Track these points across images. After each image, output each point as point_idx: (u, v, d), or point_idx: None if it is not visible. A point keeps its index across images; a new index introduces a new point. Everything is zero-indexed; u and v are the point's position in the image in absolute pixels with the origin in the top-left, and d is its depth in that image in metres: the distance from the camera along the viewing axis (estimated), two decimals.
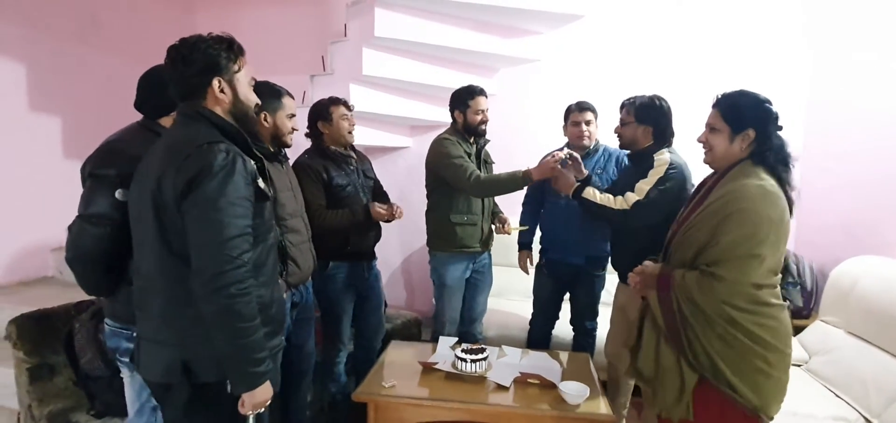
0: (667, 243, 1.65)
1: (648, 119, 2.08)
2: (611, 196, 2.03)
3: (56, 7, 3.05)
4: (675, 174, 1.98)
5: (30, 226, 3.02)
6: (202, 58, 1.27)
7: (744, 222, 1.41)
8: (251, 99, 1.37)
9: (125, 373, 1.58)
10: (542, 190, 2.59)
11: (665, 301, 1.53)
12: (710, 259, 1.45)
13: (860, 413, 1.99)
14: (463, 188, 2.39)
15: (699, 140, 1.60)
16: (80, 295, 2.45)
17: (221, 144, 1.22)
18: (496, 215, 2.62)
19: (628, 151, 2.23)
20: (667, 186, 1.96)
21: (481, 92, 2.48)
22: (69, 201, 3.20)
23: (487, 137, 2.58)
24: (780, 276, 1.50)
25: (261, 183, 1.32)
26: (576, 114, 2.49)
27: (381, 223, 2.42)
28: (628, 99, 2.16)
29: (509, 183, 2.34)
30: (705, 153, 1.59)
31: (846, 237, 2.67)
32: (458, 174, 2.37)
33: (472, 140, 2.51)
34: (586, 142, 2.47)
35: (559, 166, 2.20)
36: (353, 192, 2.36)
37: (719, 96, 1.56)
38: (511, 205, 2.74)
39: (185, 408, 1.29)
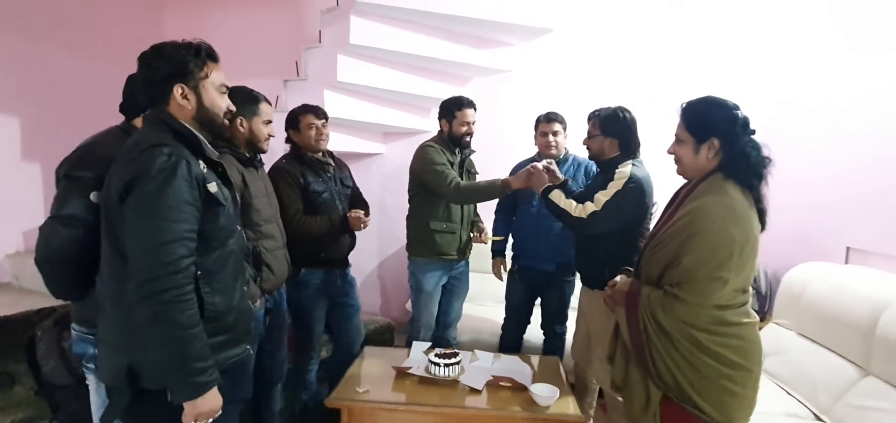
0: (639, 257, 1.65)
1: (613, 131, 2.12)
2: (573, 203, 2.07)
3: (17, 5, 2.95)
4: (633, 188, 2.00)
5: None
6: (166, 65, 1.26)
7: (704, 245, 1.36)
8: (219, 105, 1.35)
9: (91, 380, 1.54)
10: (514, 199, 2.65)
11: (632, 320, 1.52)
12: (673, 280, 1.41)
13: (810, 410, 2.12)
14: (444, 194, 2.43)
15: (669, 152, 1.55)
16: (40, 301, 2.38)
17: (165, 147, 1.20)
18: (475, 224, 2.67)
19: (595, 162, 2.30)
20: (623, 200, 1.99)
21: (469, 104, 2.53)
22: (27, 205, 3.11)
23: (471, 147, 2.64)
24: (749, 292, 1.45)
25: (212, 187, 1.28)
26: (544, 125, 2.57)
27: (357, 231, 2.43)
28: (594, 111, 2.22)
29: (488, 191, 2.40)
30: (676, 164, 1.54)
31: (797, 245, 2.83)
32: (439, 180, 2.41)
33: (456, 150, 2.56)
34: (554, 152, 2.55)
35: (534, 165, 2.26)
36: (330, 199, 2.37)
37: (683, 105, 1.50)
38: (486, 213, 2.79)
39: (125, 414, 1.26)
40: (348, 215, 2.36)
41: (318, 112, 2.36)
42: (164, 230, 1.16)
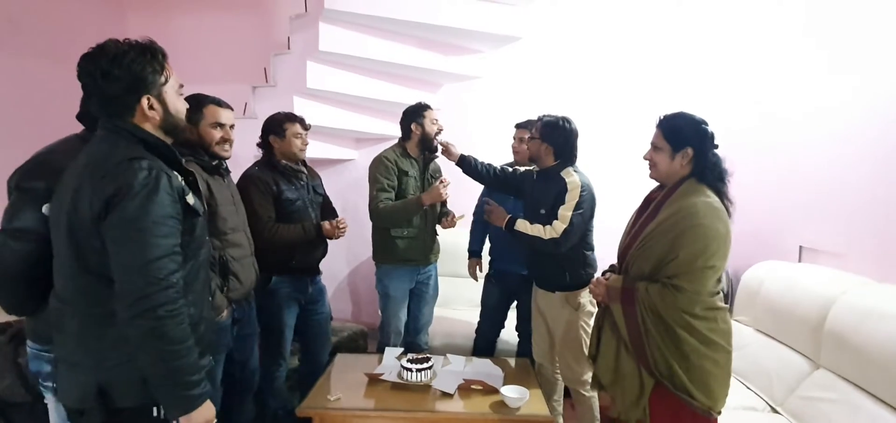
0: (621, 255, 1.76)
1: (550, 138, 2.20)
2: (540, 226, 2.15)
3: None
4: (587, 195, 2.14)
5: None
6: (126, 74, 1.18)
7: (698, 238, 1.52)
8: (180, 109, 1.30)
9: (49, 398, 1.50)
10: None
11: (630, 314, 1.63)
12: (670, 272, 1.55)
13: (766, 402, 2.22)
14: (370, 212, 2.49)
15: (645, 158, 1.71)
16: None
17: (143, 161, 1.16)
18: (443, 214, 2.65)
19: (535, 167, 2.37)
20: (584, 208, 2.13)
21: (430, 106, 2.59)
22: None
23: (435, 152, 2.67)
24: (722, 282, 1.65)
25: (191, 199, 1.26)
26: (515, 131, 2.65)
27: (328, 239, 2.43)
28: (541, 116, 2.28)
29: (406, 210, 2.47)
30: (650, 169, 1.72)
31: (756, 244, 2.96)
32: (370, 198, 2.49)
33: (417, 157, 2.58)
34: (521, 157, 2.62)
35: (488, 202, 2.36)
36: (303, 207, 2.36)
37: (661, 117, 1.69)
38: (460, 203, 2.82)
39: None
40: (323, 224, 2.35)
41: (304, 122, 2.36)
42: (153, 247, 1.13)
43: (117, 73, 1.17)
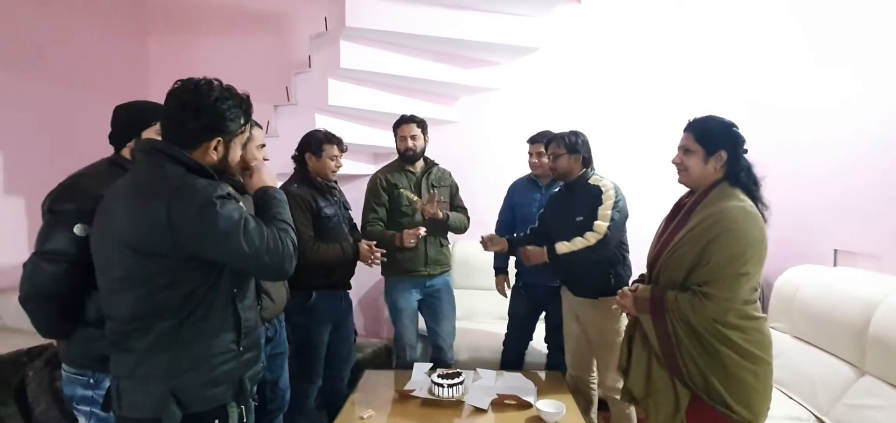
0: (650, 264, 1.71)
1: (578, 149, 2.27)
2: (579, 238, 2.16)
3: None
4: (621, 194, 2.20)
5: None
6: (213, 116, 1.24)
7: (731, 243, 1.47)
8: (235, 158, 1.34)
9: (82, 422, 1.50)
10: (512, 218, 2.68)
11: (660, 324, 1.57)
12: (701, 279, 1.50)
13: (811, 412, 2.14)
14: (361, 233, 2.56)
15: (674, 162, 1.66)
16: (24, 340, 2.30)
17: (200, 180, 1.21)
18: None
19: (561, 182, 2.38)
20: (620, 207, 2.17)
21: (409, 119, 2.60)
22: (10, 241, 3.01)
23: (437, 162, 2.69)
24: (758, 290, 1.58)
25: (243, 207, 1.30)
26: (529, 146, 2.64)
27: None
28: (554, 136, 2.34)
29: (384, 240, 2.45)
30: (680, 174, 1.66)
31: (787, 248, 2.89)
32: (362, 219, 2.60)
33: (411, 167, 2.60)
34: (539, 171, 2.61)
35: (524, 251, 2.32)
36: (338, 223, 2.37)
37: (691, 120, 1.65)
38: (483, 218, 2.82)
39: None
40: (361, 246, 2.36)
41: (342, 144, 2.39)
42: (234, 218, 1.19)
43: (206, 112, 1.23)
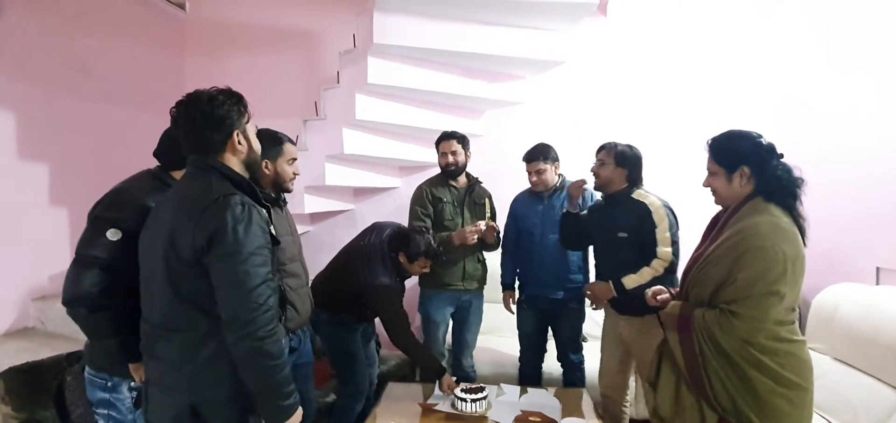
0: (682, 279, 1.67)
1: (626, 164, 2.22)
2: (646, 269, 2.13)
3: (46, 55, 3.07)
4: (671, 214, 2.18)
5: (10, 276, 2.94)
6: (222, 115, 1.32)
7: (758, 260, 1.41)
8: (257, 145, 1.44)
9: None
10: (517, 232, 2.66)
11: (686, 342, 1.52)
12: (729, 297, 1.44)
13: None
14: None
15: (705, 185, 1.62)
16: (66, 345, 2.39)
17: (236, 196, 1.27)
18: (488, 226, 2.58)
19: (600, 192, 2.34)
20: (674, 227, 2.16)
21: (449, 136, 2.63)
22: (54, 249, 3.15)
23: (478, 178, 2.69)
24: (796, 311, 1.50)
25: (273, 230, 1.36)
26: (527, 165, 2.60)
27: None
28: (607, 143, 2.29)
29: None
30: (714, 196, 1.62)
31: (824, 265, 2.77)
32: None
33: (454, 182, 2.62)
34: (540, 188, 2.58)
35: (588, 287, 2.35)
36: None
37: (709, 141, 1.60)
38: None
39: None
40: (446, 378, 2.30)
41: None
42: (254, 276, 1.23)
43: (215, 114, 1.31)
